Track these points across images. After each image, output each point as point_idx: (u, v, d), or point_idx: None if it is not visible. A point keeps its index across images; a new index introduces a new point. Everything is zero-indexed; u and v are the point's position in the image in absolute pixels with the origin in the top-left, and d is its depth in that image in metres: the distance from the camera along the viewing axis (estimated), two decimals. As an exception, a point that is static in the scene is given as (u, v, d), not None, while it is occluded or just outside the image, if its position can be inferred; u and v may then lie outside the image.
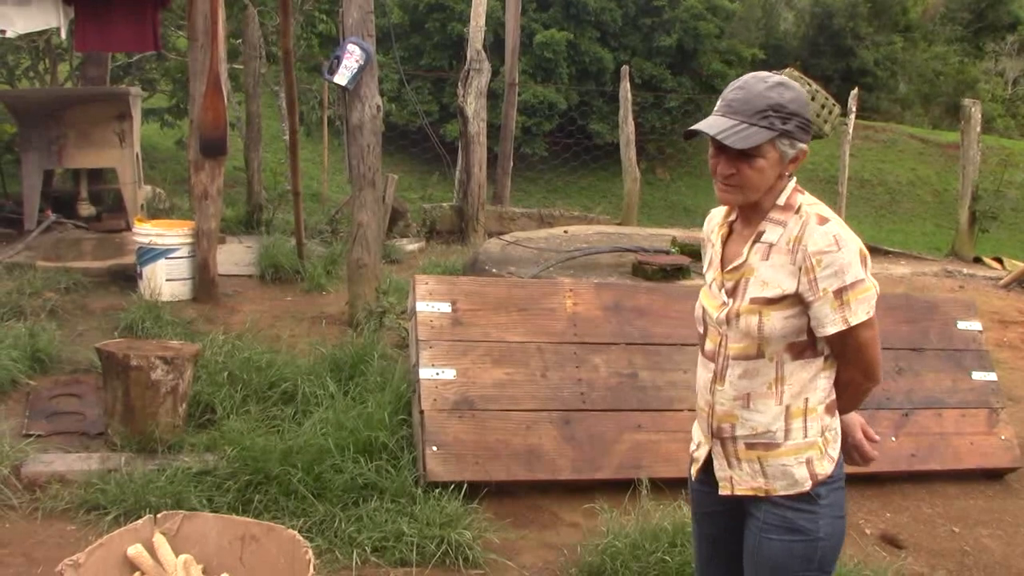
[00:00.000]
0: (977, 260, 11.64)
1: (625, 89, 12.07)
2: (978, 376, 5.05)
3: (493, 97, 13.32)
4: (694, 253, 6.42)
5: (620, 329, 4.65)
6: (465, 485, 3.95)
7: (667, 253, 6.36)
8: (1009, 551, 4.13)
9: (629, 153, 11.91)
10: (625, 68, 12.61)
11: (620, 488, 4.10)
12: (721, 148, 2.16)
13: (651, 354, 4.61)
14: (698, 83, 26.77)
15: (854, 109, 12.67)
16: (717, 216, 2.43)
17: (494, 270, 5.95)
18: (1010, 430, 4.95)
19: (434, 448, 4.09)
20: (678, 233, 7.54)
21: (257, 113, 9.09)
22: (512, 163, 13.25)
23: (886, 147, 29.01)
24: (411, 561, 3.55)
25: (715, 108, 2.20)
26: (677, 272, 5.94)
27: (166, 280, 6.36)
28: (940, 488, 4.68)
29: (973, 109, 11.70)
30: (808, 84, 9.49)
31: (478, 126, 9.82)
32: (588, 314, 4.65)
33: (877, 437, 2.43)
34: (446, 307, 4.47)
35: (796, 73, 9.54)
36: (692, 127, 2.22)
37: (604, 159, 22.19)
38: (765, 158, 2.15)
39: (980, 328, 5.29)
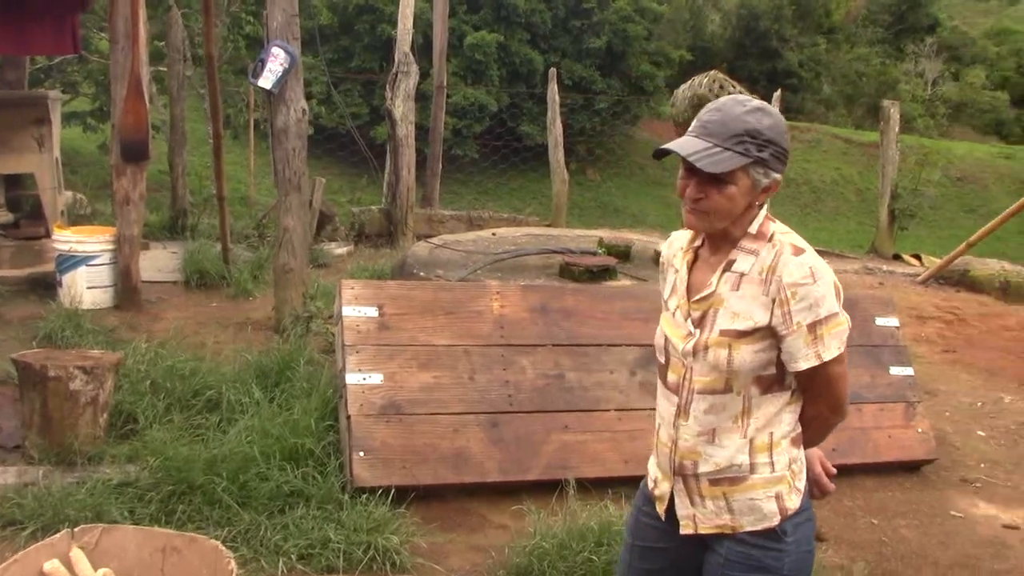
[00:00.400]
0: (897, 257, 11.97)
1: (553, 91, 12.13)
2: (896, 371, 5.18)
3: (423, 99, 13.31)
4: (620, 254, 6.49)
5: (547, 330, 4.68)
6: (392, 490, 3.94)
7: (594, 254, 6.41)
8: (925, 541, 4.24)
9: (557, 155, 11.98)
10: (552, 70, 12.67)
11: (548, 489, 4.12)
12: (692, 170, 2.07)
13: (578, 355, 4.64)
14: (627, 84, 27.05)
15: (778, 110, 12.90)
16: (680, 240, 2.31)
17: (422, 273, 5.94)
18: (926, 423, 5.09)
19: (361, 453, 4.08)
20: (605, 234, 7.61)
21: (181, 116, 8.97)
22: (442, 165, 13.26)
23: (811, 147, 29.64)
24: (338, 568, 3.53)
25: (690, 128, 2.10)
26: (604, 273, 5.98)
27: (87, 288, 6.24)
28: (860, 481, 4.79)
29: (892, 110, 12.02)
30: (733, 86, 9.64)
31: (406, 129, 9.79)
32: (515, 316, 4.67)
33: (834, 470, 2.36)
34: (372, 311, 4.45)
35: (721, 75, 9.67)
36: (664, 146, 2.12)
37: (534, 160, 22.28)
38: (737, 185, 2.05)
39: (897, 324, 5.42)
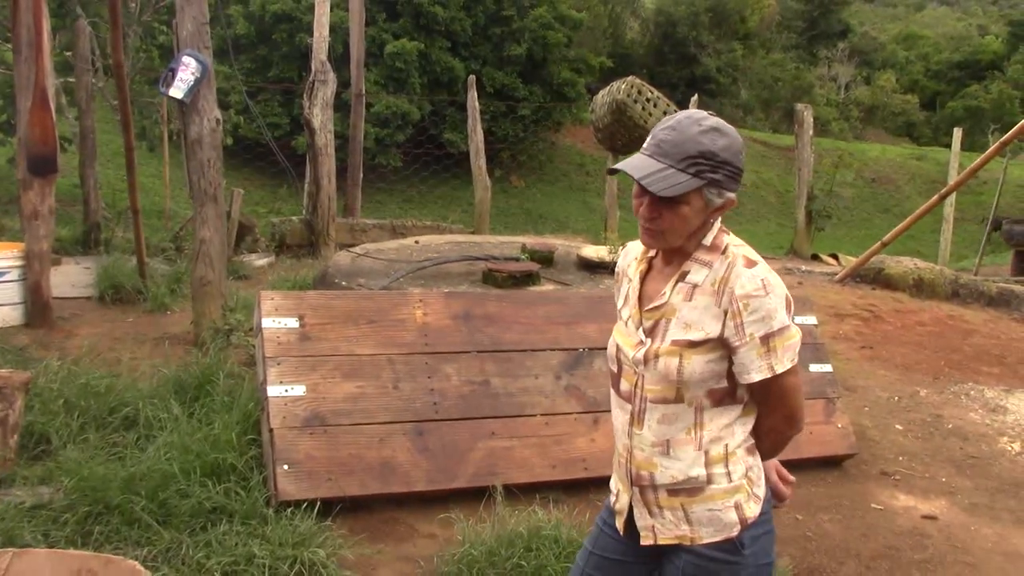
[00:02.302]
0: (815, 257, 12.24)
1: (472, 99, 12.12)
2: (815, 368, 5.26)
3: (344, 108, 13.20)
4: (543, 259, 6.51)
5: (471, 337, 4.66)
6: (318, 503, 3.87)
7: (517, 260, 6.42)
8: (848, 534, 4.32)
9: (479, 162, 11.97)
10: (472, 78, 12.66)
11: (476, 496, 4.10)
12: (646, 190, 2.06)
13: (502, 361, 4.63)
14: (549, 91, 27.23)
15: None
16: (635, 250, 2.31)
17: (344, 283, 5.87)
18: (846, 419, 5.18)
19: (285, 467, 4.00)
20: (528, 240, 7.62)
21: (91, 128, 8.76)
22: (366, 175, 13.17)
23: (730, 151, 30.05)
24: (263, 584, 3.46)
25: (644, 146, 2.09)
26: (527, 279, 5.99)
27: (-5, 305, 6.03)
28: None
29: (805, 113, 12.29)
30: (651, 91, 9.77)
31: (325, 138, 9.69)
32: (438, 324, 4.64)
33: (792, 478, 2.36)
34: (293, 322, 4.39)
35: (639, 81, 9.81)
36: (617, 165, 2.09)
37: (457, 168, 22.30)
38: (690, 205, 2.05)
39: (815, 322, 5.52)
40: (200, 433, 4.17)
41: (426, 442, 4.28)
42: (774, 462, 2.33)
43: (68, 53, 9.81)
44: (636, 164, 2.05)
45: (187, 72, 5.40)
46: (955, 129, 14.82)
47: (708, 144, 2.03)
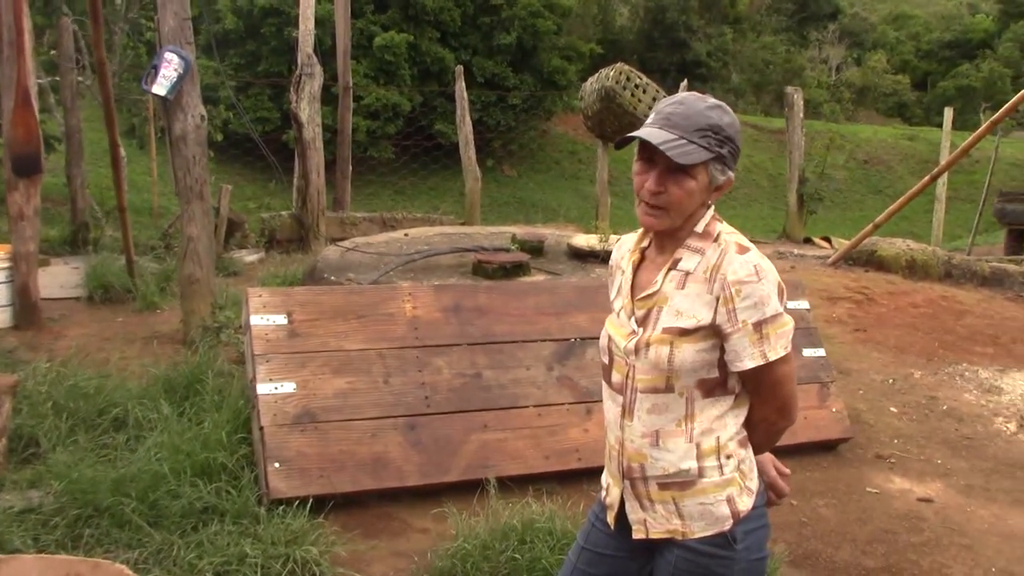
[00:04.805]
0: (807, 240, 12.23)
1: (461, 88, 12.06)
2: (808, 352, 5.25)
3: (334, 102, 13.14)
4: (533, 250, 6.48)
5: (461, 330, 4.63)
6: (311, 500, 3.85)
7: (507, 251, 6.38)
8: (843, 519, 4.31)
9: (469, 152, 11.92)
10: (459, 68, 12.60)
11: (469, 489, 4.08)
12: (650, 164, 2.05)
13: (494, 353, 4.61)
14: (539, 80, 27.16)
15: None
16: (628, 242, 2.30)
17: (333, 278, 5.84)
18: (840, 403, 5.17)
19: (276, 464, 3.98)
20: (518, 230, 7.58)
21: (77, 127, 8.70)
22: (357, 167, 13.13)
23: (722, 135, 30.01)
24: (256, 583, 3.43)
25: (649, 120, 2.07)
26: (517, 269, 5.96)
27: (-18, 308, 6.00)
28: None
29: (796, 96, 12.25)
30: (640, 78, 9.74)
31: (313, 131, 9.64)
32: (428, 317, 4.61)
33: (788, 471, 2.33)
34: (282, 319, 4.35)
35: (627, 67, 9.78)
36: (633, 133, 2.05)
37: (448, 159, 22.25)
38: (696, 180, 2.04)
39: (808, 306, 5.51)
40: (190, 433, 4.15)
41: (418, 436, 4.25)
42: (770, 456, 2.30)
43: (53, 52, 9.74)
44: (651, 133, 2.03)
45: (170, 69, 5.35)
46: (946, 109, 14.80)
47: (716, 119, 2.04)
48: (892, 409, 5.65)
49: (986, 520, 4.35)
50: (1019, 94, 7.59)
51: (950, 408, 5.72)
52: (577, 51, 28.63)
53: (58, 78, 9.76)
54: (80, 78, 9.83)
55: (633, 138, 2.05)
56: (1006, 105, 7.84)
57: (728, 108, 2.09)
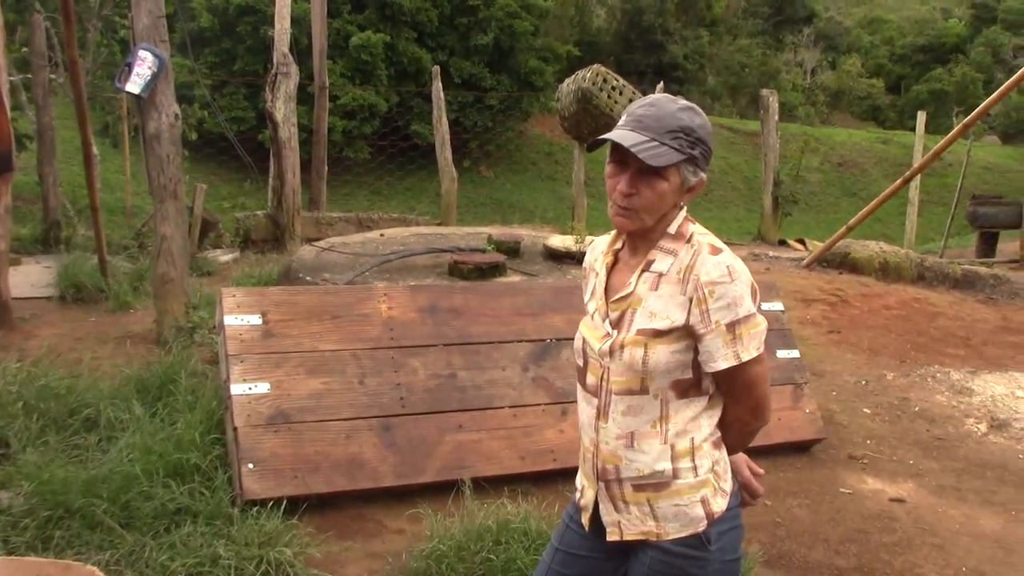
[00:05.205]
0: (782, 242, 12.30)
1: (437, 89, 12.04)
2: (782, 354, 5.27)
3: (310, 101, 13.09)
4: (510, 250, 6.47)
5: (437, 330, 4.62)
6: (284, 501, 3.83)
7: (483, 252, 6.38)
8: (816, 519, 4.33)
9: (445, 153, 11.90)
10: (436, 68, 12.57)
11: (444, 490, 4.07)
12: (622, 166, 2.06)
13: (469, 354, 4.60)
14: (516, 81, 27.20)
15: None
16: (601, 244, 2.30)
17: (308, 278, 5.81)
18: (814, 404, 5.20)
19: (250, 465, 3.95)
20: (494, 231, 7.58)
21: (49, 125, 8.62)
22: (331, 167, 13.06)
23: (697, 138, 30.19)
24: (229, 584, 3.41)
25: (620, 123, 2.07)
26: (493, 270, 5.96)
27: (-48, 307, 5.92)
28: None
29: (771, 99, 12.32)
30: (616, 79, 9.75)
31: (289, 131, 9.58)
32: (404, 317, 4.60)
33: (761, 471, 2.34)
34: (256, 319, 4.33)
35: (604, 69, 9.79)
36: (604, 136, 2.06)
37: (425, 159, 22.23)
38: (668, 181, 2.05)
39: (782, 308, 5.53)
40: (163, 433, 4.11)
41: (393, 437, 4.24)
42: (744, 456, 2.31)
43: (25, 49, 9.64)
44: (622, 136, 2.03)
45: (143, 67, 5.30)
46: (920, 112, 14.93)
47: (687, 120, 2.05)
48: (865, 410, 5.69)
49: (957, 520, 4.39)
50: (990, 98, 7.68)
51: (922, 409, 5.77)
52: (554, 52, 28.69)
53: (30, 75, 9.65)
54: (52, 75, 9.73)
55: (605, 140, 2.05)
56: (977, 109, 7.92)
57: (699, 109, 2.10)
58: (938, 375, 6.39)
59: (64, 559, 3.27)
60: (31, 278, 7.13)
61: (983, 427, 5.59)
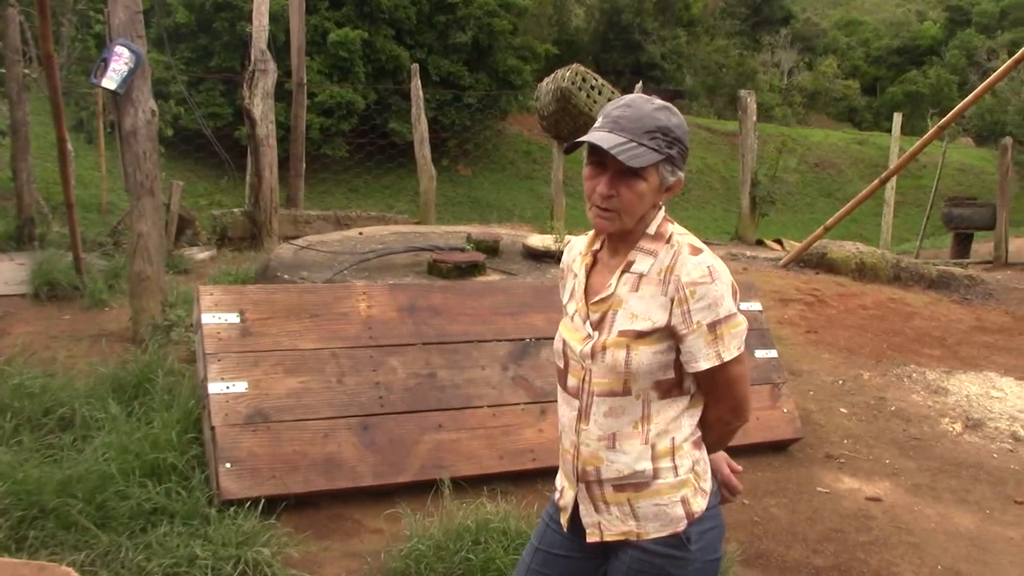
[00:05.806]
0: (760, 242, 12.35)
1: (416, 87, 12.00)
2: (760, 354, 5.29)
3: (288, 98, 13.03)
4: (489, 249, 6.46)
5: (416, 329, 4.61)
6: (262, 501, 3.81)
7: (462, 251, 6.36)
8: (794, 518, 4.35)
9: (423, 151, 11.86)
10: (415, 66, 12.54)
11: (423, 490, 4.06)
12: (600, 167, 2.05)
13: (448, 353, 4.59)
14: (495, 79, 27.20)
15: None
16: (579, 245, 2.29)
17: (286, 276, 5.78)
18: (791, 403, 5.22)
19: (227, 465, 3.93)
20: (473, 230, 7.56)
21: (24, 120, 8.51)
22: (308, 165, 12.99)
23: (675, 137, 30.32)
24: (206, 585, 3.39)
25: (597, 124, 2.07)
26: (472, 269, 5.95)
27: (-76, 305, 5.85)
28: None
29: (749, 99, 12.37)
30: (595, 78, 9.77)
31: (267, 128, 9.53)
32: (383, 316, 4.58)
33: (740, 468, 2.35)
34: (234, 317, 4.30)
35: (583, 68, 9.81)
36: (582, 138, 2.05)
37: (403, 157, 22.20)
38: (647, 181, 2.04)
39: (760, 308, 5.56)
40: (139, 433, 4.07)
41: (372, 436, 4.23)
42: (723, 454, 2.31)
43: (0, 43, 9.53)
44: (600, 138, 2.03)
45: (120, 62, 5.25)
46: (895, 114, 15.06)
47: (664, 120, 2.04)
48: (842, 410, 5.72)
49: (933, 519, 4.42)
50: (965, 100, 7.74)
51: (898, 409, 5.81)
52: (533, 51, 28.70)
53: (4, 70, 9.54)
54: (27, 70, 9.63)
55: (582, 143, 2.05)
56: (953, 111, 7.98)
57: (675, 109, 2.09)
58: (914, 375, 6.44)
59: (38, 559, 3.24)
60: (4, 275, 7.05)
61: (958, 427, 5.63)
